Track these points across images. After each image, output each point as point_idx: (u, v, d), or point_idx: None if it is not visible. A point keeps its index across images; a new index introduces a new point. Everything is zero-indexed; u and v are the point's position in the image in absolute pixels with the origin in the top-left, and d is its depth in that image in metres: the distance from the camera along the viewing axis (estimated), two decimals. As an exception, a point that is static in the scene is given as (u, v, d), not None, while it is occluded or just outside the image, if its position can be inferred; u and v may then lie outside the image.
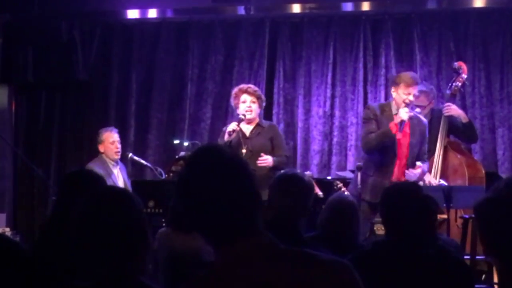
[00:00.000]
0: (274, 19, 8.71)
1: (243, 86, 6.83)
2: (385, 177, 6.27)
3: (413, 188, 3.36)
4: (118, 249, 2.22)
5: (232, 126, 6.55)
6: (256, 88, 6.85)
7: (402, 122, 6.17)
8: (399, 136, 6.31)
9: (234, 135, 6.51)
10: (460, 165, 6.93)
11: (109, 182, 6.63)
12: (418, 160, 6.38)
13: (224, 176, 1.82)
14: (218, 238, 1.84)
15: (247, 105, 6.60)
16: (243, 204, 1.82)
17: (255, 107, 6.62)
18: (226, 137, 6.52)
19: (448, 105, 7.04)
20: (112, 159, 7.53)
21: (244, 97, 6.62)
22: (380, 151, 6.32)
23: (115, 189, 2.41)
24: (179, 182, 1.88)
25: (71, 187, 3.42)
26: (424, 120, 6.63)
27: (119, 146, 7.62)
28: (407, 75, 6.53)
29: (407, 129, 6.36)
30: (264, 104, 6.88)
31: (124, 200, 2.31)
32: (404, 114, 6.19)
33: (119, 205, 2.28)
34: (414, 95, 6.29)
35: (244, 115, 6.59)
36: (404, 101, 6.27)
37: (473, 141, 7.47)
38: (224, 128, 6.80)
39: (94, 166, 7.01)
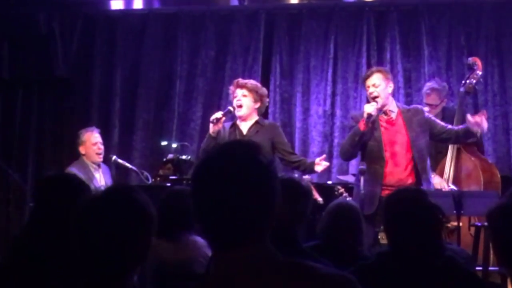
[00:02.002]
0: (270, 11, 8.71)
1: (236, 80, 6.84)
2: (375, 185, 6.25)
3: (417, 195, 3.35)
4: (118, 256, 2.24)
5: (216, 114, 6.54)
6: (248, 81, 6.79)
7: (369, 116, 6.21)
8: (385, 136, 6.34)
9: (219, 125, 6.49)
10: (475, 169, 6.92)
11: (91, 187, 6.60)
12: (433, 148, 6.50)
13: (242, 179, 1.83)
14: (217, 243, 1.86)
15: (237, 99, 6.59)
16: (249, 211, 1.82)
17: (246, 101, 6.58)
18: (210, 127, 6.51)
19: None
20: (94, 161, 7.51)
21: (236, 91, 6.62)
22: (366, 157, 6.36)
23: (125, 188, 2.43)
24: (198, 170, 1.90)
25: (48, 193, 3.39)
26: (419, 106, 6.70)
27: (102, 147, 7.60)
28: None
29: (400, 126, 6.38)
30: (266, 99, 6.82)
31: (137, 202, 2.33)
32: (368, 108, 6.26)
33: (130, 206, 2.30)
34: (374, 85, 6.35)
35: (234, 107, 6.58)
36: (370, 97, 6.39)
37: None
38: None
39: (74, 170, 6.98)
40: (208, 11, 8.80)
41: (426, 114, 6.47)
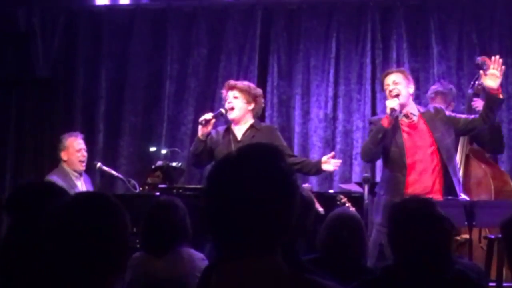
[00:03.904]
0: (267, 6, 8.72)
1: (227, 82, 6.82)
2: (396, 194, 6.22)
3: (424, 205, 3.33)
4: (92, 267, 2.23)
5: (206, 116, 6.54)
6: (238, 82, 6.77)
7: (392, 111, 6.19)
8: (407, 142, 6.32)
9: (209, 127, 6.49)
10: (485, 177, 6.92)
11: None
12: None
13: (260, 187, 1.85)
14: (225, 251, 1.88)
15: (228, 101, 6.59)
16: (264, 220, 1.84)
17: (237, 102, 6.55)
18: (199, 130, 6.51)
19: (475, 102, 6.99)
20: (76, 169, 7.47)
21: (228, 93, 6.62)
22: (388, 164, 6.36)
23: (96, 194, 2.43)
24: (214, 171, 1.92)
25: (26, 203, 3.37)
26: (437, 105, 6.68)
27: (86, 155, 7.56)
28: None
29: (423, 129, 6.37)
30: (261, 100, 6.79)
31: (109, 208, 2.32)
32: (390, 103, 6.22)
33: (102, 213, 2.29)
34: (394, 82, 6.31)
35: (225, 110, 6.58)
36: (389, 95, 6.35)
37: (498, 150, 7.41)
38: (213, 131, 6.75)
39: (54, 178, 6.95)
40: (200, 7, 8.80)
41: (447, 112, 6.47)
